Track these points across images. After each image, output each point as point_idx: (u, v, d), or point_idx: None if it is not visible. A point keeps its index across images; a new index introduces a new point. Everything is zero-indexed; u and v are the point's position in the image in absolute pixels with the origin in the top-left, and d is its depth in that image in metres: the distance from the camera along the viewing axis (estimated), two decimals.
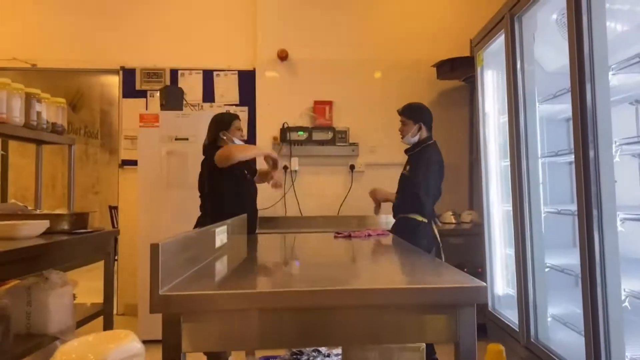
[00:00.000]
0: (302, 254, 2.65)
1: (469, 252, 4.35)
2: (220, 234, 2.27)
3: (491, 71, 4.05)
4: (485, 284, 1.49)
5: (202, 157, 3.37)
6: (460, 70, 4.90)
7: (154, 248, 1.42)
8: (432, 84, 5.28)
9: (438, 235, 3.53)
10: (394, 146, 5.25)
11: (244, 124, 5.23)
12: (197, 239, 1.92)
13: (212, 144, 3.34)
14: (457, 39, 5.16)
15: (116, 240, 4.61)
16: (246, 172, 3.41)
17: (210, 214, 3.21)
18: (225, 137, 3.33)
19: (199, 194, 3.38)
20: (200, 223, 3.23)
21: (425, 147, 3.55)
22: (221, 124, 3.39)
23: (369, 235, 3.06)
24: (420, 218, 3.46)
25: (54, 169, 7.70)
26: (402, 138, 3.61)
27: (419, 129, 3.57)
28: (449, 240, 4.37)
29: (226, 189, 3.24)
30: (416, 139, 3.57)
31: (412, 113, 3.59)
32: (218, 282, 1.77)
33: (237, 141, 3.34)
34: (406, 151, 3.63)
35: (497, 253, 4.01)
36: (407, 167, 3.56)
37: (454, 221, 4.91)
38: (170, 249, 1.53)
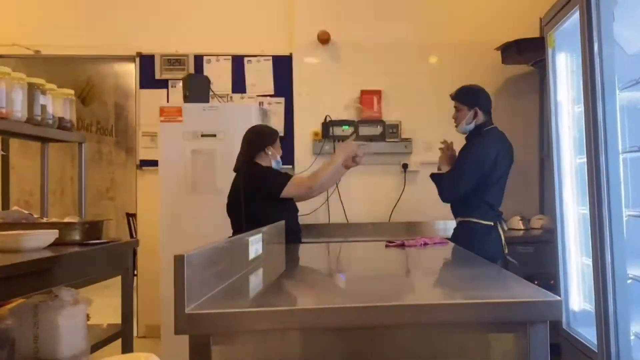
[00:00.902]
0: (349, 266, 2.65)
1: (539, 263, 4.32)
2: (255, 244, 2.28)
3: (564, 54, 3.98)
4: (559, 298, 1.49)
5: (233, 164, 3.44)
6: (528, 54, 4.84)
7: (179, 260, 1.43)
8: (496, 70, 5.22)
9: (504, 242, 3.51)
10: (454, 141, 5.22)
11: (280, 117, 5.28)
12: (228, 249, 1.93)
13: (250, 162, 3.40)
14: (525, 17, 5.08)
15: (135, 252, 4.68)
16: None
17: None
18: (270, 154, 3.44)
19: (229, 215, 3.42)
20: None
21: (485, 132, 3.59)
22: (266, 137, 3.48)
23: (425, 244, 3.05)
24: (484, 222, 3.47)
25: (62, 171, 7.81)
26: (456, 127, 3.65)
27: (475, 114, 3.60)
28: (516, 248, 4.32)
29: (284, 218, 3.26)
30: (472, 126, 3.60)
31: (467, 97, 3.62)
32: (252, 299, 1.79)
33: (277, 161, 3.46)
34: (465, 138, 3.67)
35: (572, 263, 3.95)
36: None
37: (522, 227, 4.87)
38: (197, 261, 1.54)
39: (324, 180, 3.49)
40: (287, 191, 3.31)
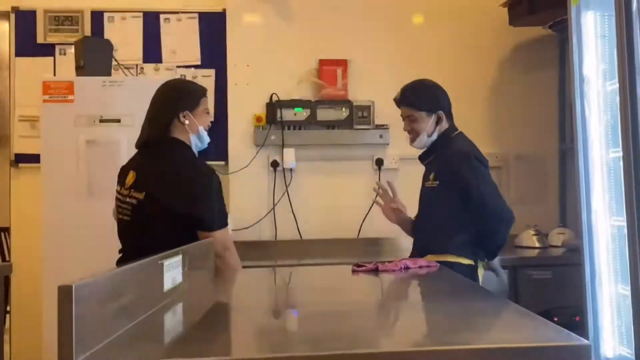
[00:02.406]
0: (303, 299, 2.63)
1: (560, 292, 4.34)
2: (172, 270, 2.26)
3: (592, 13, 4.03)
4: (587, 341, 1.50)
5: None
6: (544, 12, 4.86)
7: (65, 293, 1.43)
8: (502, 34, 5.26)
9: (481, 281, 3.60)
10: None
11: (209, 95, 5.22)
12: (134, 277, 1.91)
13: (164, 137, 3.25)
14: None
15: (7, 280, 4.59)
16: None
17: None
18: (187, 122, 3.25)
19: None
20: None
21: (455, 138, 3.69)
22: (184, 97, 3.32)
23: (407, 268, 3.05)
24: (467, 261, 3.52)
25: None
26: (412, 142, 3.74)
27: (438, 121, 3.66)
28: (530, 273, 4.37)
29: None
30: (435, 136, 3.68)
31: (424, 99, 3.68)
32: (168, 347, 1.76)
33: (203, 132, 3.33)
34: (423, 157, 3.79)
35: (603, 293, 3.99)
36: (432, 176, 3.65)
37: (537, 244, 4.90)
38: (92, 294, 1.52)
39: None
40: (219, 237, 3.14)
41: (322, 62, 5.27)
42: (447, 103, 3.72)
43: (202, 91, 3.40)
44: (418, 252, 3.61)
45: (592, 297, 4.01)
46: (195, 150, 3.35)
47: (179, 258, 2.37)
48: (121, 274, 1.78)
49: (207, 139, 3.39)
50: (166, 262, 2.19)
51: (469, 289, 2.59)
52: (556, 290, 4.38)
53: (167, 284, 2.20)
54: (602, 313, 3.99)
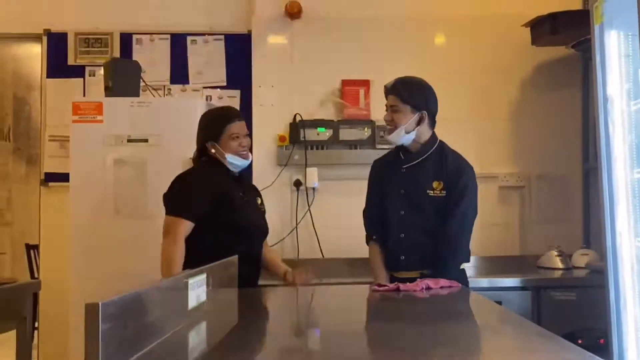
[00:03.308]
0: (325, 319, 2.62)
1: (584, 314, 4.27)
2: (196, 288, 2.26)
3: (616, 32, 4.01)
4: None
5: (170, 178, 3.44)
6: (567, 32, 4.85)
7: (91, 310, 1.43)
8: (524, 53, 5.24)
9: None
10: (471, 148, 5.22)
11: None
12: (159, 295, 1.91)
13: (203, 163, 3.51)
14: None
15: (36, 297, 4.61)
16: (242, 194, 3.52)
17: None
18: (214, 151, 3.46)
19: None
20: None
21: (451, 150, 3.68)
22: (206, 129, 3.53)
23: (428, 288, 3.04)
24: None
25: None
26: (388, 133, 3.62)
27: (420, 120, 3.57)
28: (553, 295, 4.31)
29: (218, 246, 3.25)
30: (412, 136, 3.57)
31: (413, 94, 3.58)
32: None
33: (232, 158, 3.46)
34: (406, 158, 3.63)
35: (628, 315, 3.95)
36: (437, 184, 3.56)
37: (560, 266, 4.84)
38: (118, 312, 1.52)
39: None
40: (167, 221, 3.32)
41: (345, 83, 5.27)
42: (434, 107, 3.63)
43: (227, 118, 3.51)
44: (421, 258, 3.53)
45: (617, 320, 3.97)
46: (237, 170, 3.55)
47: (203, 277, 2.37)
48: (147, 291, 1.78)
49: (239, 161, 3.50)
50: (191, 281, 2.20)
51: (491, 309, 2.57)
52: (580, 312, 4.30)
53: (192, 302, 2.20)
54: (627, 336, 3.95)
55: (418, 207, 3.56)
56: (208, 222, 3.31)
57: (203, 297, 2.35)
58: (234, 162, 3.47)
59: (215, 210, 3.35)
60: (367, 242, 3.77)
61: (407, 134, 3.54)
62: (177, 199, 3.35)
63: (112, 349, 1.47)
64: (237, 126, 3.49)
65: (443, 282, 3.17)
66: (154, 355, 1.66)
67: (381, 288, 3.03)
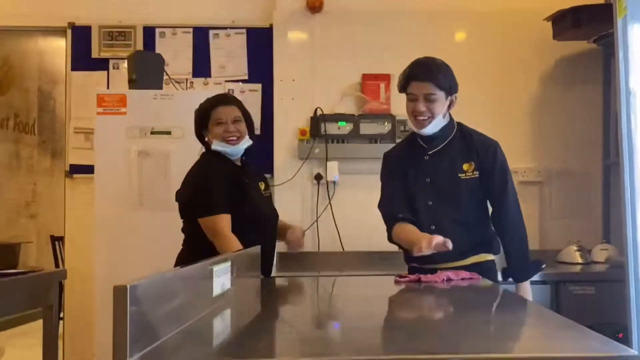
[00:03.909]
0: (347, 309, 2.62)
1: (603, 308, 4.25)
2: (221, 276, 2.27)
3: (639, 26, 3.98)
4: (634, 352, 1.51)
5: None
6: (589, 26, 4.83)
7: (120, 293, 1.43)
8: (546, 47, 5.23)
9: None
10: None
11: (255, 109, 5.27)
12: (185, 281, 1.92)
13: (204, 155, 3.54)
14: None
15: (61, 286, 4.64)
16: (247, 181, 3.49)
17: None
18: (207, 139, 3.49)
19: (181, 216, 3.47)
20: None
21: (463, 126, 3.47)
22: (197, 119, 3.55)
23: (449, 279, 3.03)
24: (492, 257, 3.41)
25: None
26: (423, 127, 3.30)
27: (450, 105, 3.36)
28: (572, 289, 4.30)
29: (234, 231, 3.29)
30: (443, 123, 3.35)
31: (447, 78, 3.32)
32: (217, 349, 1.77)
33: (217, 144, 3.42)
34: (429, 144, 3.39)
35: None
36: (468, 166, 3.35)
37: (580, 260, 4.82)
38: (145, 296, 1.53)
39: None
40: (203, 224, 3.30)
41: (366, 77, 5.27)
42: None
43: (211, 105, 3.50)
44: (455, 254, 3.21)
45: (637, 314, 3.95)
46: (232, 157, 3.49)
47: (228, 264, 2.38)
48: (174, 277, 1.79)
49: (225, 148, 3.43)
50: (216, 268, 2.21)
51: (513, 300, 2.57)
52: (599, 306, 4.28)
53: (217, 290, 2.21)
54: None
55: (448, 195, 3.35)
56: None
57: (227, 285, 2.36)
58: (219, 148, 3.42)
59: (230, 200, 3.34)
60: (390, 237, 3.46)
61: (442, 122, 3.32)
62: (202, 199, 3.31)
63: (139, 332, 1.47)
64: (221, 111, 3.44)
65: (464, 273, 3.15)
66: (179, 339, 1.67)
67: (403, 279, 3.02)
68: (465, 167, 3.36)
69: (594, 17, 4.74)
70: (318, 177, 5.16)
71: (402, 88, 3.40)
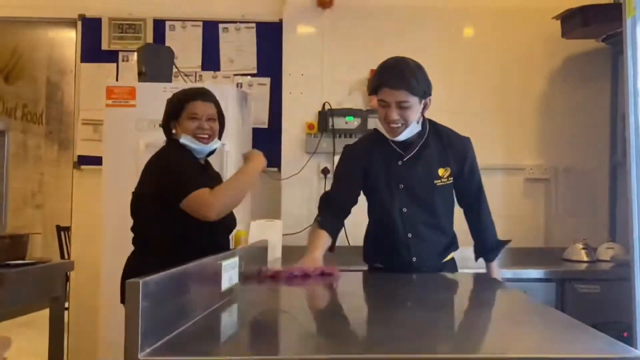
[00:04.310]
0: (350, 305, 2.63)
1: (607, 307, 4.24)
2: (230, 270, 2.28)
3: None
4: (637, 352, 1.51)
5: None
6: (597, 25, 4.81)
7: (133, 288, 1.43)
8: (554, 45, 5.22)
9: None
10: (498, 140, 5.19)
11: (263, 103, 5.28)
12: (195, 276, 1.93)
13: (167, 146, 3.30)
14: None
15: (67, 278, 4.66)
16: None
17: (154, 255, 3.04)
18: (174, 132, 3.26)
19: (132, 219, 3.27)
20: (132, 267, 3.13)
21: (439, 124, 3.38)
22: (169, 107, 3.30)
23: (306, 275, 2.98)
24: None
25: None
26: (397, 134, 3.18)
27: (424, 107, 3.21)
28: (577, 287, 4.30)
29: (186, 234, 3.07)
30: (417, 128, 3.22)
31: (421, 82, 3.13)
32: (227, 344, 1.79)
33: (186, 139, 3.20)
34: (404, 149, 3.28)
35: None
36: (443, 172, 3.28)
37: (585, 258, 4.82)
38: (157, 291, 1.54)
39: (230, 200, 3.11)
40: (186, 204, 3.01)
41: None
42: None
43: (188, 96, 3.27)
44: (434, 256, 3.34)
45: None
46: (197, 155, 3.26)
47: (236, 259, 2.39)
48: (184, 272, 1.80)
49: (194, 144, 3.20)
50: (224, 263, 2.22)
51: (516, 298, 2.58)
52: (604, 305, 4.28)
53: (225, 284, 2.23)
54: None
55: (423, 201, 3.28)
56: (174, 211, 3.04)
57: (235, 280, 2.37)
58: (187, 143, 3.18)
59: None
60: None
61: (416, 128, 3.19)
62: (176, 185, 3.04)
63: (151, 327, 1.48)
64: (199, 106, 3.21)
65: (323, 269, 3.06)
66: (189, 334, 1.68)
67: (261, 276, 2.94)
68: (440, 172, 3.28)
69: (603, 16, 4.73)
70: (325, 172, 5.16)
71: (373, 92, 3.27)
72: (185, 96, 3.25)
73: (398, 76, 3.10)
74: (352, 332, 2.01)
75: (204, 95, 3.26)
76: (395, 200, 3.27)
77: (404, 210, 3.27)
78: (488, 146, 5.08)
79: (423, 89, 3.13)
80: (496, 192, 5.07)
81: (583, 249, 4.85)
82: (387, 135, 3.21)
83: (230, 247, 3.38)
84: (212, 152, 3.35)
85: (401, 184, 3.26)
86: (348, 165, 3.42)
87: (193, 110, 3.19)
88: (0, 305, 3.00)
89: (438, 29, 5.30)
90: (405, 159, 3.26)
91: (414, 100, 3.10)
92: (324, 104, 5.19)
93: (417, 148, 3.26)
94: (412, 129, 3.17)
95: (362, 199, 3.70)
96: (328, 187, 5.09)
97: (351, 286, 3.11)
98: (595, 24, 4.81)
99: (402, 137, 3.17)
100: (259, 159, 3.27)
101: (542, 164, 5.16)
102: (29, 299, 3.32)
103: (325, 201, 3.45)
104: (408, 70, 3.13)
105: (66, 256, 6.98)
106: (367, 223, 3.60)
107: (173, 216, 3.02)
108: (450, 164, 3.30)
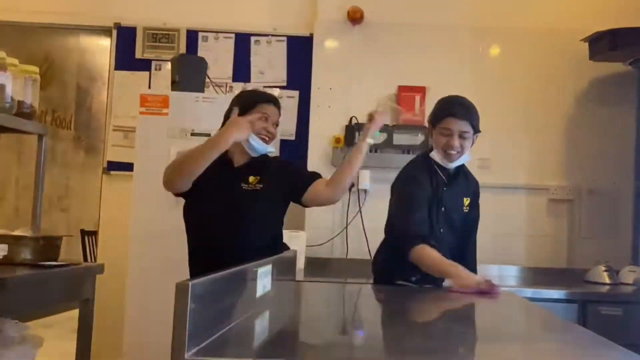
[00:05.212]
0: (370, 317, 2.66)
1: (630, 330, 4.26)
2: (264, 278, 2.31)
3: None
4: None
5: None
6: (626, 48, 4.82)
7: (182, 290, 1.47)
8: (581, 67, 5.22)
9: None
10: (522, 160, 5.18)
11: (292, 115, 5.32)
12: (234, 282, 1.97)
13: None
14: (622, 0, 5.13)
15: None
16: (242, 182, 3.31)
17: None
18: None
19: None
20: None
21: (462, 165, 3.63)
22: (239, 101, 3.33)
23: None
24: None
25: (3, 171, 7.88)
26: (453, 159, 3.48)
27: (473, 142, 3.53)
28: (599, 309, 4.28)
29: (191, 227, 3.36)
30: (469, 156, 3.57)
31: (477, 117, 3.48)
32: (258, 349, 1.81)
33: (254, 139, 3.21)
34: (451, 179, 3.58)
35: None
36: (468, 202, 3.63)
37: (608, 281, 4.80)
38: (202, 294, 1.57)
39: (173, 164, 3.31)
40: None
41: (401, 89, 5.29)
42: None
43: (263, 97, 3.35)
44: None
45: None
46: (253, 153, 3.29)
47: (269, 267, 2.43)
48: (226, 277, 1.83)
49: (256, 143, 3.22)
50: (260, 271, 2.25)
51: (541, 314, 2.59)
52: (626, 327, 4.28)
53: (259, 291, 2.25)
54: None
55: (453, 225, 3.57)
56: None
57: (268, 287, 2.40)
58: (251, 141, 3.20)
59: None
60: (408, 254, 3.34)
61: (466, 158, 3.54)
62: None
63: (196, 330, 1.51)
64: (271, 109, 3.28)
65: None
66: (230, 336, 1.71)
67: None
68: (465, 201, 3.61)
69: (632, 39, 4.73)
70: (350, 185, 5.19)
71: (436, 121, 3.52)
72: (259, 97, 3.36)
73: (464, 109, 3.44)
74: (383, 342, 2.04)
75: (278, 102, 3.38)
76: (436, 221, 3.48)
77: (441, 230, 3.50)
78: (513, 166, 5.12)
79: (478, 125, 3.46)
80: (519, 211, 5.10)
81: (605, 271, 4.83)
82: (442, 162, 3.49)
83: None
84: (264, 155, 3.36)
85: (443, 207, 3.51)
86: (420, 192, 3.50)
87: (265, 111, 3.27)
88: (33, 305, 3.02)
89: (466, 48, 5.32)
90: (450, 184, 3.54)
91: (471, 133, 3.43)
92: (351, 118, 5.21)
93: (455, 178, 3.56)
94: (464, 158, 3.50)
95: (382, 213, 3.77)
96: (353, 201, 5.15)
97: (381, 298, 3.14)
98: (623, 47, 4.82)
99: (456, 163, 3.49)
100: (229, 124, 3.19)
101: (566, 184, 5.16)
102: (59, 300, 3.33)
103: (418, 220, 3.45)
104: (472, 106, 3.48)
105: (89, 259, 7.02)
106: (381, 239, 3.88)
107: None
108: (469, 195, 3.64)
